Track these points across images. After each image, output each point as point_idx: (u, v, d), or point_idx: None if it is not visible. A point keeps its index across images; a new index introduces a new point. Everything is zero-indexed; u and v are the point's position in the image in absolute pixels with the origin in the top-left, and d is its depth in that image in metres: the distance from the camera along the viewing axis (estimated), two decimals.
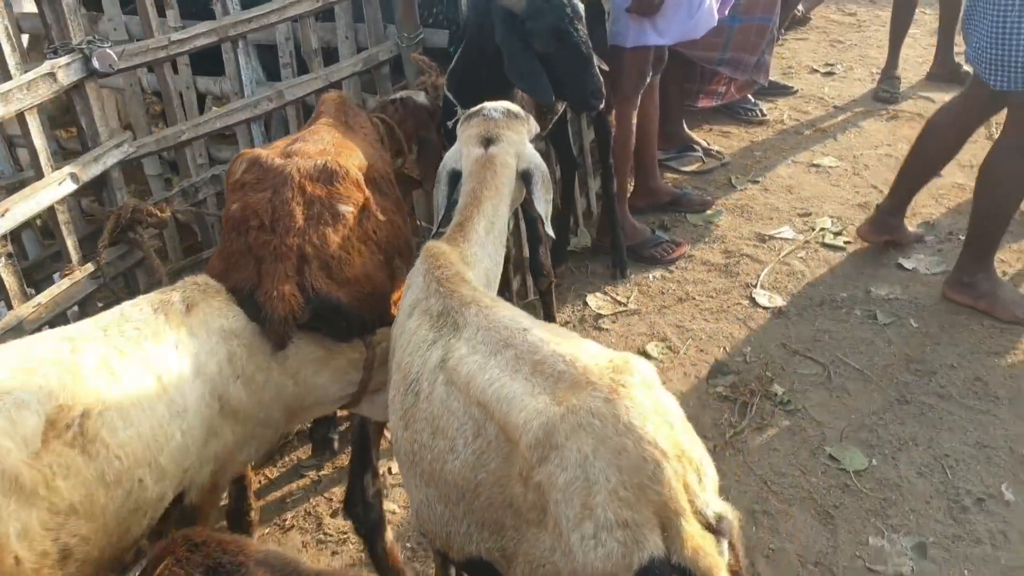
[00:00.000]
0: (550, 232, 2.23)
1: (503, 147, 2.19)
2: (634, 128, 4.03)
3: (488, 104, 2.30)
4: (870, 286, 3.86)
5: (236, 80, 3.31)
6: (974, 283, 3.60)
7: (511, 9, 2.60)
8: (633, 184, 4.56)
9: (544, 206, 2.18)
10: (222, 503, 2.58)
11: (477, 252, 2.12)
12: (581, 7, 2.66)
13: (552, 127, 3.77)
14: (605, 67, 2.89)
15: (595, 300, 3.91)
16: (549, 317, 3.42)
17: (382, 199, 2.24)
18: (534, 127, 2.34)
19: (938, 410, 3.18)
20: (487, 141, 2.20)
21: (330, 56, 3.41)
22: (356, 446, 2.35)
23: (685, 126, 5.10)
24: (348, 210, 2.03)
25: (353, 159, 2.15)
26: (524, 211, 3.42)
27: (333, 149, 2.13)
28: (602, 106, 2.74)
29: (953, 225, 4.25)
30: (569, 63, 2.64)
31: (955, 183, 4.61)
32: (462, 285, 1.89)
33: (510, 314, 1.79)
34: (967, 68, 5.72)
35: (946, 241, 4.15)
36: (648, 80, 3.98)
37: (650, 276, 4.06)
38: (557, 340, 1.69)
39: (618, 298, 3.92)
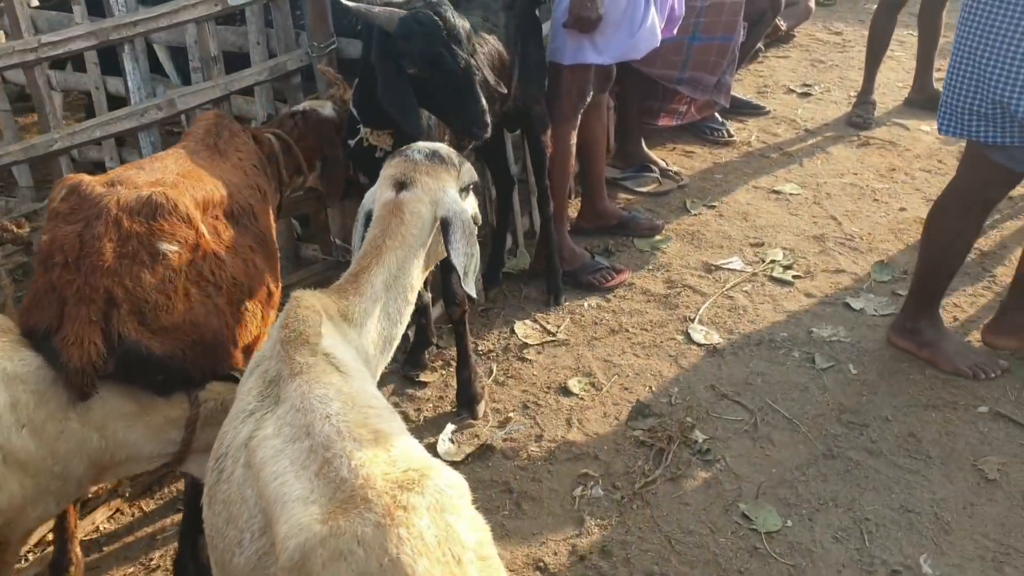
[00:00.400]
0: (469, 290, 2.06)
1: (415, 193, 2.02)
2: (573, 148, 3.83)
3: (416, 144, 2.13)
4: (813, 326, 3.65)
5: (145, 82, 3.14)
6: (918, 330, 3.40)
7: (384, 27, 2.41)
8: (580, 205, 4.38)
9: (462, 259, 2.01)
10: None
11: (369, 308, 1.93)
12: (464, 28, 2.45)
13: (475, 146, 3.59)
14: (503, 89, 2.70)
15: (523, 328, 3.71)
16: (462, 348, 3.23)
17: (238, 235, 2.06)
18: (468, 174, 2.16)
19: (865, 467, 2.97)
20: (400, 185, 2.03)
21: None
22: (187, 505, 2.16)
23: (644, 145, 4.90)
24: (171, 249, 1.84)
25: (193, 191, 1.96)
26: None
27: (171, 179, 1.94)
28: (487, 135, 2.54)
29: (910, 263, 4.02)
30: (446, 89, 2.44)
31: (917, 217, 4.39)
32: (301, 351, 1.68)
33: (329, 392, 1.57)
34: None
35: (900, 280, 3.93)
36: (590, 99, 3.78)
37: (585, 304, 3.86)
38: (360, 433, 1.47)
39: (548, 327, 3.72)
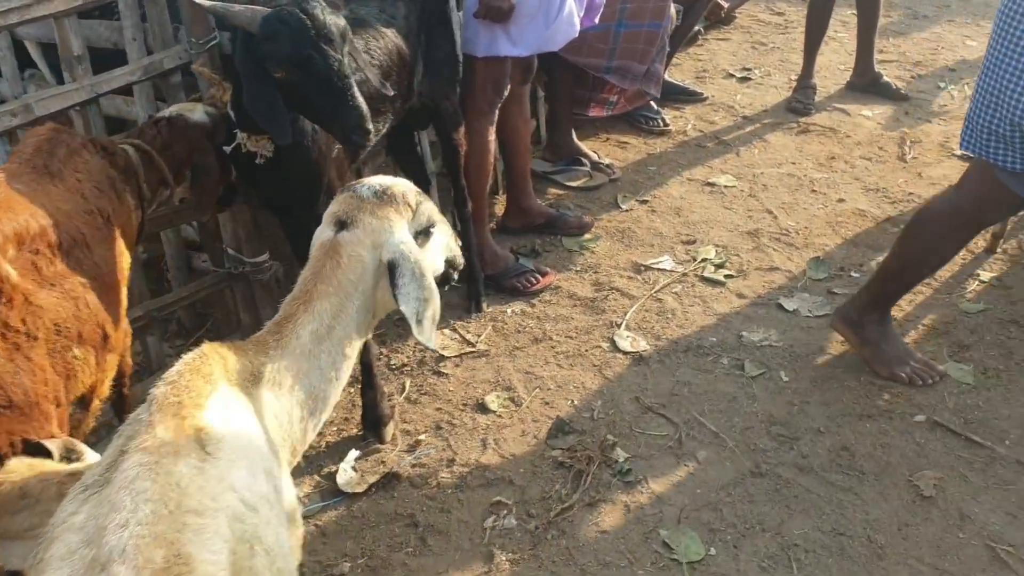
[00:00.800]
0: (424, 340, 1.83)
1: (356, 234, 1.82)
2: (491, 144, 3.60)
3: (368, 179, 1.93)
4: (743, 330, 3.47)
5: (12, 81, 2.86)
6: (863, 325, 3.18)
7: (246, 28, 2.15)
8: (505, 203, 4.16)
9: (413, 306, 1.80)
10: None
11: (293, 364, 1.71)
12: (336, 25, 2.20)
13: (388, 143, 3.36)
14: (390, 92, 2.46)
15: (441, 339, 3.48)
16: (367, 365, 2.99)
17: (65, 271, 1.79)
18: (426, 214, 1.94)
19: (795, 486, 2.79)
20: (341, 224, 1.83)
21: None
22: None
23: (575, 136, 4.68)
24: None
25: (0, 224, 1.70)
26: None
27: None
28: (368, 143, 2.30)
29: (848, 259, 3.87)
30: (318, 94, 2.20)
31: (856, 209, 4.23)
32: (166, 421, 1.42)
33: (151, 489, 1.30)
34: (886, 80, 5.37)
35: (836, 277, 3.76)
36: (507, 92, 3.55)
37: (508, 311, 3.64)
38: (150, 557, 1.21)
39: (468, 337, 3.50)
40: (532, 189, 4.11)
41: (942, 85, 5.53)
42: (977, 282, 3.68)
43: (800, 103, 5.17)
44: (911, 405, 3.08)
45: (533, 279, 3.74)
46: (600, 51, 4.31)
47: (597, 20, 3.78)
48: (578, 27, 3.49)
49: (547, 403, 3.17)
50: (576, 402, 3.17)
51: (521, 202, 4.06)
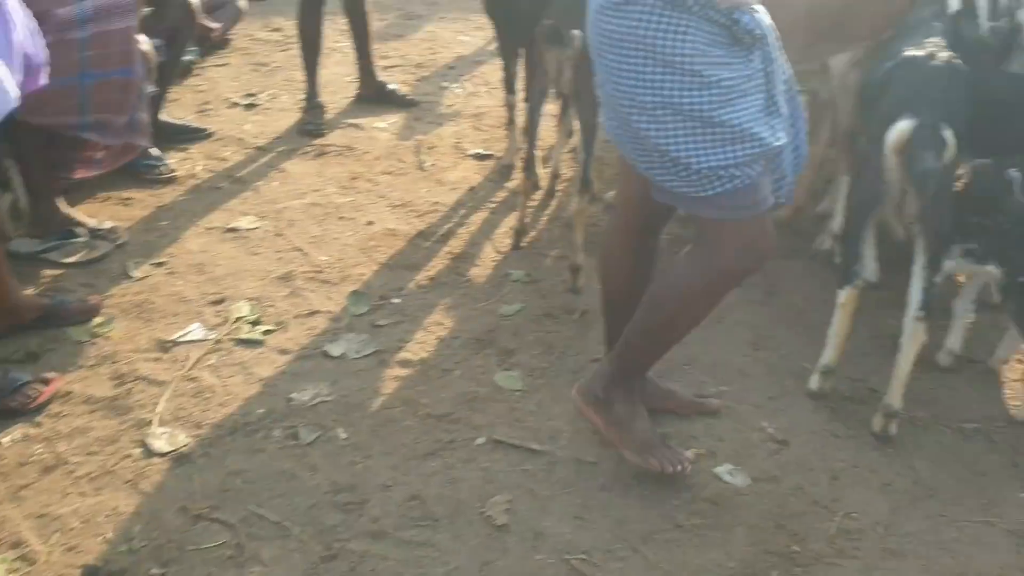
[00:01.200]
0: None
1: None
2: None
3: None
4: (292, 391, 3.17)
5: None
6: (610, 403, 2.82)
7: None
8: None
9: None
10: None
11: None
12: None
13: None
14: None
15: None
16: None
17: None
18: None
19: (371, 557, 2.56)
20: None
21: None
22: None
23: (63, 204, 4.02)
24: None
25: None
26: None
27: None
28: None
29: (386, 285, 3.74)
30: None
31: (385, 229, 4.13)
32: None
33: None
34: (392, 87, 5.38)
35: (378, 308, 3.61)
36: None
37: (6, 441, 2.97)
38: None
39: None
40: (13, 280, 3.41)
41: (445, 85, 5.69)
42: (509, 282, 3.76)
43: (312, 124, 4.98)
44: (471, 429, 3.01)
45: (33, 391, 3.10)
46: (68, 108, 3.71)
47: (45, 80, 3.18)
48: (14, 94, 2.89)
49: (72, 549, 2.60)
50: (110, 535, 2.64)
51: (2, 300, 3.36)
